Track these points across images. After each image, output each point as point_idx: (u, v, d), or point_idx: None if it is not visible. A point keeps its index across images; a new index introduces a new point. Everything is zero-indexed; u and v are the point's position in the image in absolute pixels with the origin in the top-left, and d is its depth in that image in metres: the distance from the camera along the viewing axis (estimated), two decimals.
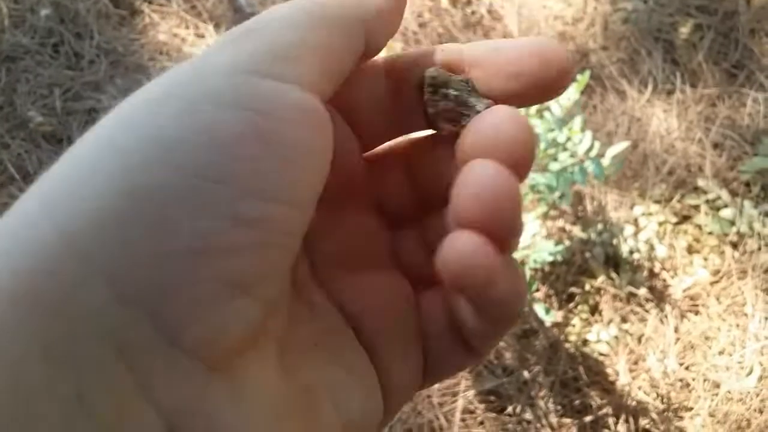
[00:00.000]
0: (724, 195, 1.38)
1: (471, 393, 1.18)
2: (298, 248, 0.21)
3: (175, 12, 1.64)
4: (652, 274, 1.32)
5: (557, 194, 1.07)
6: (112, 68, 1.55)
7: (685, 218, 1.39)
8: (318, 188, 0.21)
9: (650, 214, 1.37)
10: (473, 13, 1.65)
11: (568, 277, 1.29)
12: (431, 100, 0.25)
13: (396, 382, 0.25)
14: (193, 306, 0.17)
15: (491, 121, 0.21)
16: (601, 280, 1.29)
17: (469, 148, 0.21)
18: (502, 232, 0.19)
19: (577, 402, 1.18)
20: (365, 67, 0.25)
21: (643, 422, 1.18)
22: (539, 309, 1.05)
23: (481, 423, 1.16)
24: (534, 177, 1.07)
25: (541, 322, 1.23)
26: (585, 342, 1.24)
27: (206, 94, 0.19)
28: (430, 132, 0.26)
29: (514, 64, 0.24)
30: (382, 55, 0.25)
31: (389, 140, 0.27)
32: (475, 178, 0.20)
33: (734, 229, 1.35)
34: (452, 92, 0.24)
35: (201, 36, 1.61)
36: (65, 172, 0.18)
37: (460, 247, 0.19)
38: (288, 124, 0.19)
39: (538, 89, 0.24)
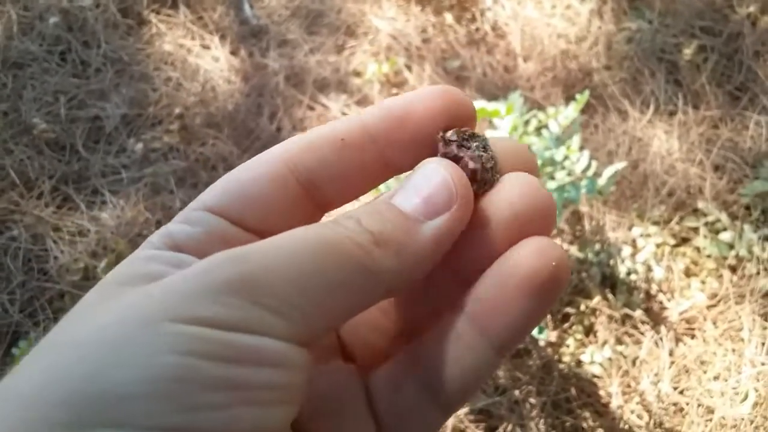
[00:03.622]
0: (724, 218, 1.37)
1: (462, 412, 1.17)
2: None
3: (182, 23, 1.65)
4: (649, 296, 1.31)
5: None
6: (118, 77, 1.57)
7: (683, 240, 1.38)
8: (293, 414, 0.21)
9: (648, 235, 1.37)
10: (477, 29, 1.66)
11: (563, 296, 1.29)
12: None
13: None
14: None
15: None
16: (596, 301, 1.28)
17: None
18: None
19: (568, 423, 1.17)
20: None
21: None
22: None
23: None
24: None
25: (534, 342, 1.22)
26: (579, 363, 1.23)
27: (172, 343, 0.18)
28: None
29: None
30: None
31: None
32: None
33: (733, 253, 1.34)
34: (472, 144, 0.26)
35: (206, 47, 1.62)
36: (23, 415, 0.18)
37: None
38: (257, 371, 0.19)
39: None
